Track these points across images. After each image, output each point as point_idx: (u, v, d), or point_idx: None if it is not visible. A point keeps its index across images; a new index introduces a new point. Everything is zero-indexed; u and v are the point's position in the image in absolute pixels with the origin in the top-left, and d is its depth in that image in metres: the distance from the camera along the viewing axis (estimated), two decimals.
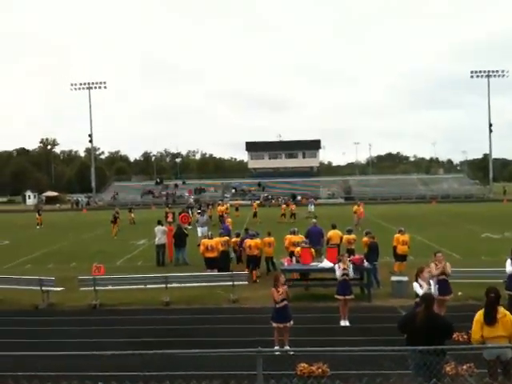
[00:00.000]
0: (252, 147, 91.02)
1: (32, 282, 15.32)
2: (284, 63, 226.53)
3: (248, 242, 18.18)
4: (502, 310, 7.46)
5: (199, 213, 39.99)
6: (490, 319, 7.33)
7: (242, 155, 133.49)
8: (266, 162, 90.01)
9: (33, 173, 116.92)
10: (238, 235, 20.22)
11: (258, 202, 56.77)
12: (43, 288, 15.05)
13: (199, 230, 26.74)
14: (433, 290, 10.37)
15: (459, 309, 12.90)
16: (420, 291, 10.19)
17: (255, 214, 42.51)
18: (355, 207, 34.75)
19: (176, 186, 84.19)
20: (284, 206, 44.53)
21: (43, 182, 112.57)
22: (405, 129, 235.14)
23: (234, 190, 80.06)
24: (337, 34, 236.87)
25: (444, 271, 12.15)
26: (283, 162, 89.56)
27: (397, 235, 18.19)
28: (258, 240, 18.32)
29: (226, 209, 40.52)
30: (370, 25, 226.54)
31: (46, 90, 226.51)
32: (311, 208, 46.70)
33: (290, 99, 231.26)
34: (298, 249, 17.04)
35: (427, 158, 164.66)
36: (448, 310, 11.91)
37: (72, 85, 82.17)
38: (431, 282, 10.96)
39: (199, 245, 19.77)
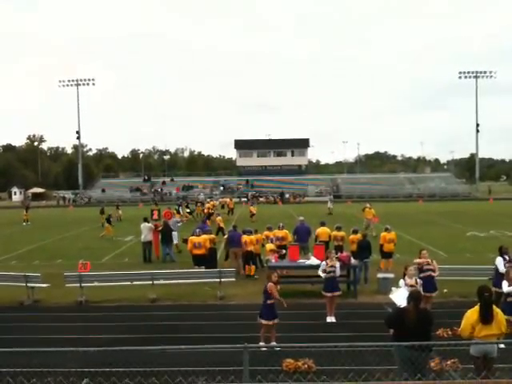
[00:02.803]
0: (241, 145, 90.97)
1: (17, 278, 15.16)
2: (277, 63, 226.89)
3: (244, 237, 18.30)
4: (495, 308, 7.52)
5: (189, 212, 39.93)
6: (488, 319, 7.35)
7: (231, 153, 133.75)
8: (254, 160, 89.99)
9: (19, 169, 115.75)
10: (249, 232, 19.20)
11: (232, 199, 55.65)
12: (28, 284, 14.91)
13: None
14: (419, 288, 10.45)
15: (444, 305, 13.03)
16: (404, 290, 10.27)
17: (231, 211, 43.15)
18: (366, 209, 30.04)
19: (164, 183, 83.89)
20: (251, 207, 42.53)
21: (30, 178, 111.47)
22: (393, 128, 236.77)
23: (222, 188, 79.98)
24: (336, 34, 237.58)
25: (433, 268, 12.36)
26: (272, 161, 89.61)
27: (383, 233, 18.32)
28: (253, 236, 18.43)
29: (213, 206, 40.43)
30: (370, 25, 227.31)
31: (34, 86, 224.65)
32: (330, 205, 45.91)
33: (280, 98, 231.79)
34: (271, 245, 17.12)
35: (415, 157, 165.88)
36: (433, 307, 12.00)
37: (60, 81, 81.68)
38: (418, 279, 11.09)
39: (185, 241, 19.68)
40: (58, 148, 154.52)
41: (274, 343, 10.31)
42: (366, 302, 14.25)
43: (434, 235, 28.34)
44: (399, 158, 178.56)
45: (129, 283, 15.29)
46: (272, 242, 17.95)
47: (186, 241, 20.06)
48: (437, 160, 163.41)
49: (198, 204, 44.09)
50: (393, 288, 10.66)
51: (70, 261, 21.11)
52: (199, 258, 18.21)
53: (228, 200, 48.97)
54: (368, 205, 31.22)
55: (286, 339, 10.46)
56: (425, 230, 30.95)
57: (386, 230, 18.37)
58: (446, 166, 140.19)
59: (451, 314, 10.21)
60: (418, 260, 12.52)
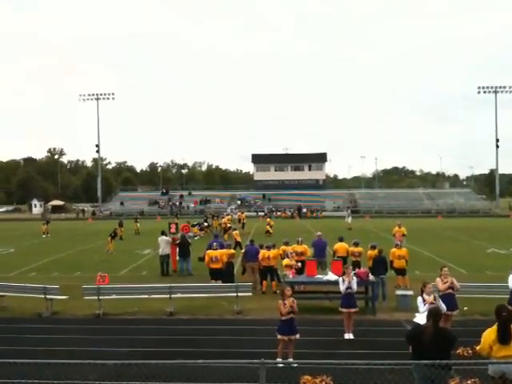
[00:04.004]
0: (258, 159, 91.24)
1: (36, 289, 15.33)
2: (289, 74, 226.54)
3: (266, 253, 18.12)
4: None
5: (207, 226, 39.98)
6: (506, 339, 7.22)
7: (248, 167, 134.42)
8: (271, 174, 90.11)
9: (39, 182, 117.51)
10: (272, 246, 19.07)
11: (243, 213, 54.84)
12: (47, 296, 15.04)
13: None
14: (441, 305, 10.23)
15: (465, 324, 12.82)
16: (422, 307, 10.12)
17: (243, 226, 43.13)
18: (395, 228, 27.05)
19: (181, 196, 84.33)
20: (268, 219, 43.46)
21: (49, 190, 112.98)
22: (411, 143, 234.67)
23: (239, 202, 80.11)
24: (336, 35, 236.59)
25: (452, 286, 12.09)
26: (289, 175, 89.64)
27: (393, 250, 18.07)
28: (274, 251, 18.31)
29: (228, 220, 40.43)
30: (370, 25, 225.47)
31: (55, 100, 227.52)
32: (349, 220, 45.73)
33: (296, 111, 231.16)
34: (287, 261, 16.95)
35: (433, 172, 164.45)
36: (454, 325, 11.80)
37: (80, 95, 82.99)
38: (436, 296, 10.90)
39: (202, 258, 19.61)
40: (77, 161, 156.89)
41: (291, 359, 10.23)
42: (385, 319, 14.10)
43: (454, 252, 27.97)
44: (418, 173, 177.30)
45: (146, 296, 15.35)
46: (288, 256, 17.80)
47: (201, 259, 19.93)
48: (456, 175, 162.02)
49: (215, 218, 44.21)
50: (416, 314, 10.48)
51: (88, 273, 21.26)
52: (216, 272, 18.19)
53: (240, 214, 49.30)
54: (398, 223, 27.85)
55: (303, 355, 10.36)
56: (444, 247, 30.58)
57: (396, 246, 18.23)
58: (465, 182, 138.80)
59: (471, 333, 10.03)
60: (439, 286, 12.01)
